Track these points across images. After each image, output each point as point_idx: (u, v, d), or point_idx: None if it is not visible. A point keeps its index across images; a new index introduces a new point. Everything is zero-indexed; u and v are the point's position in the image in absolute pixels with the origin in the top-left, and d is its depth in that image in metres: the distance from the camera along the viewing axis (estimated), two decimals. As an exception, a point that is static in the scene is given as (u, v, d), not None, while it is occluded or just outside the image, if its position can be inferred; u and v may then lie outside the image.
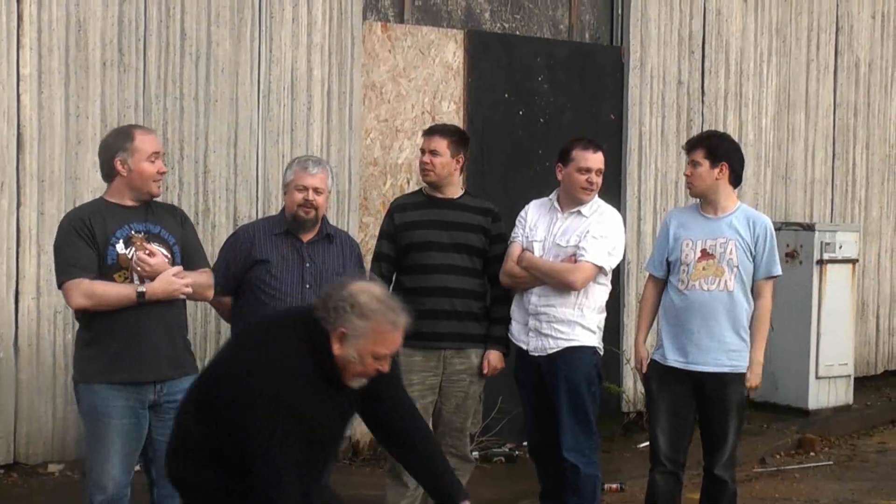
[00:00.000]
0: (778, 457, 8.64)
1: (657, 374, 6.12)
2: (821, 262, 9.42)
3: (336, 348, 3.94)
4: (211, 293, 5.35)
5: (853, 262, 9.69)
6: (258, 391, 3.83)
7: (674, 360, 6.04)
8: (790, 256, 9.42)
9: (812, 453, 8.78)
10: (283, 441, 3.82)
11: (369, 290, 4.01)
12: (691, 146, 6.13)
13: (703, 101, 9.55)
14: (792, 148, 10.24)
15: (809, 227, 9.52)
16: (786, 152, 10.19)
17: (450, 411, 6.11)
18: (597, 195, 6.22)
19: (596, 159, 6.14)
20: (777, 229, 9.50)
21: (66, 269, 5.02)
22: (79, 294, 4.97)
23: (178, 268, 5.11)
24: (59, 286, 5.09)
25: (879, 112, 10.95)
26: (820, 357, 9.46)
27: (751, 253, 6.02)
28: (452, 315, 6.05)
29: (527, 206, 6.34)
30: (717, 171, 6.00)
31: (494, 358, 6.16)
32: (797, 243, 9.42)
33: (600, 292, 6.11)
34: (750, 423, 9.08)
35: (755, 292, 6.05)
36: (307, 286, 5.60)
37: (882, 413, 9.97)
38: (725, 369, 5.96)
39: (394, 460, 6.05)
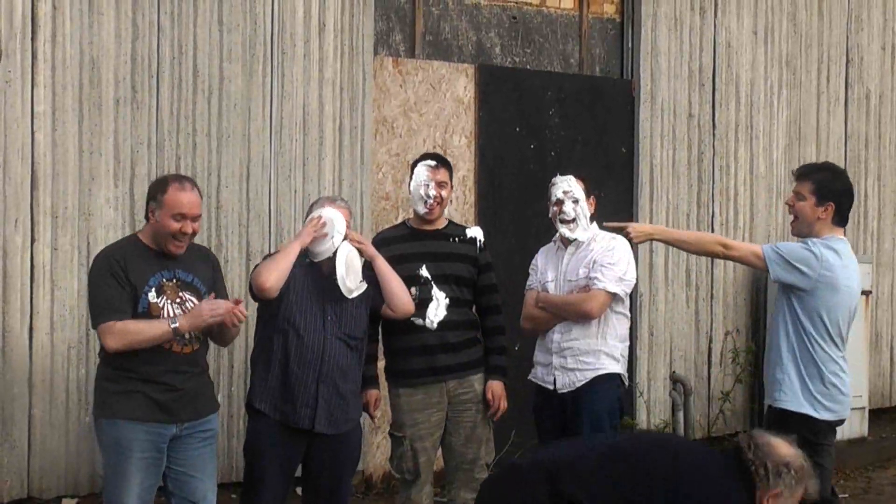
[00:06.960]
0: (792, 489, 8.57)
1: None
2: (834, 294, 9.38)
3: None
4: (238, 330, 5.37)
5: (867, 293, 9.65)
6: None
7: None
8: (803, 288, 9.39)
9: (827, 486, 8.72)
10: None
11: (801, 456, 4.39)
12: (800, 175, 5.81)
13: (713, 134, 9.56)
14: (803, 180, 10.22)
15: (822, 259, 9.48)
16: (797, 184, 10.18)
17: (460, 443, 6.06)
18: (587, 223, 6.13)
19: (555, 190, 6.09)
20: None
21: (100, 312, 5.05)
22: (113, 337, 5.00)
23: (210, 297, 5.14)
24: (94, 327, 5.11)
25: (890, 143, 10.94)
26: (834, 389, 9.40)
27: None
28: (448, 348, 6.01)
29: (537, 254, 6.35)
30: (821, 209, 5.72)
31: (498, 388, 6.11)
32: (810, 275, 9.39)
33: (618, 322, 6.08)
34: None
35: None
36: (328, 318, 5.60)
37: (897, 445, 9.92)
38: None
39: (405, 496, 6.05)
